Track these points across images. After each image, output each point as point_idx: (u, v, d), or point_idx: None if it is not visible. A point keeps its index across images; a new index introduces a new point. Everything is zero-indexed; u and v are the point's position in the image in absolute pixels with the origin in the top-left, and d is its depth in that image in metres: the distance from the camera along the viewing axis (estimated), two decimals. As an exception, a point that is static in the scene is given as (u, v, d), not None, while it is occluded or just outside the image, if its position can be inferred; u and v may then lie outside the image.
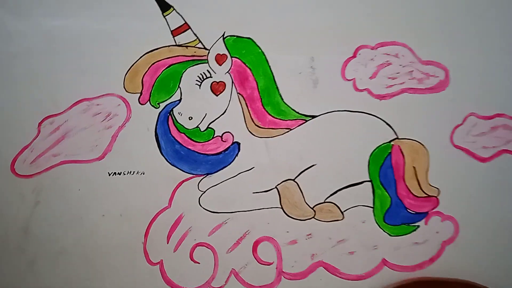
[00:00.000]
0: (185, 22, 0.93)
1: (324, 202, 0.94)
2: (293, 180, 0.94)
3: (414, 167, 0.94)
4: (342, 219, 0.93)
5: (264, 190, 0.94)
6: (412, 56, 0.93)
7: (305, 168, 0.94)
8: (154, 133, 0.94)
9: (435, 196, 0.93)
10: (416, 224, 0.94)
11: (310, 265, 0.93)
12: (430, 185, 0.94)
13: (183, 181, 0.94)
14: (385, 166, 0.93)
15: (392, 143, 0.93)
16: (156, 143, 0.94)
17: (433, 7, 0.93)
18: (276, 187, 0.94)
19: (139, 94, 0.94)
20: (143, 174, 0.94)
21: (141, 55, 0.92)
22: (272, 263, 0.93)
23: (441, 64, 0.93)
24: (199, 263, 0.93)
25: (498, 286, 0.91)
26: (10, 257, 0.94)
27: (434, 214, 0.93)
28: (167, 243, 0.93)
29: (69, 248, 0.94)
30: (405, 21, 0.93)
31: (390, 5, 0.93)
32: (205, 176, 0.94)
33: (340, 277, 0.93)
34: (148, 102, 0.94)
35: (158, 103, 0.94)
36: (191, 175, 0.94)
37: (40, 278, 0.94)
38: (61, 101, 0.94)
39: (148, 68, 0.93)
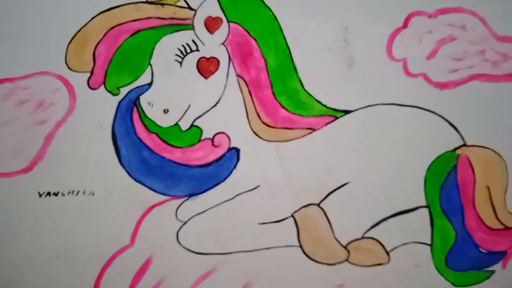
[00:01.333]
0: (161, -32, 0.63)
1: (362, 237, 0.67)
2: (318, 205, 0.66)
3: (488, 187, 0.68)
4: (387, 263, 0.67)
5: (274, 220, 0.66)
6: (485, 30, 0.68)
7: (334, 188, 0.66)
8: (110, 132, 0.65)
9: (517, 228, 0.67)
10: (492, 268, 0.68)
11: (341, 330, 0.65)
12: (510, 212, 0.68)
13: (153, 206, 0.65)
14: (448, 186, 0.67)
15: (457, 152, 0.67)
16: (113, 147, 0.65)
17: (516, -40, 0.67)
18: (292, 216, 0.66)
19: (88, 74, 0.64)
20: (93, 194, 0.65)
21: (93, 15, 0.64)
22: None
23: (524, 41, 0.67)
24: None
25: None
26: None
27: (515, 254, 0.67)
28: (127, 302, 0.63)
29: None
30: (477, -21, 0.66)
31: (456, -45, 0.66)
32: (187, 199, 0.65)
33: None
34: (103, 86, 0.64)
35: (118, 88, 0.65)
36: (166, 197, 0.65)
37: None
38: (-35, 81, 0.62)
39: (104, 36, 0.64)
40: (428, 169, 0.67)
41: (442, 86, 0.67)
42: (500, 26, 0.67)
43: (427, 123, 0.67)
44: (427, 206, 0.67)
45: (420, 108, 0.67)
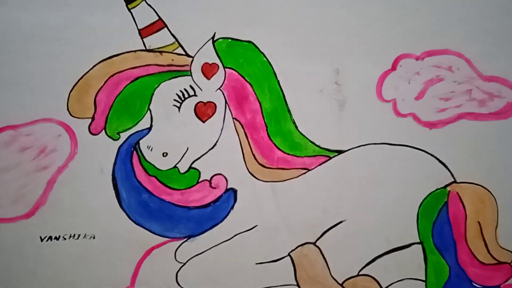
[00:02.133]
0: (160, 18, 0.66)
1: (358, 275, 0.67)
2: (314, 243, 0.67)
3: (478, 222, 0.69)
4: None
5: (272, 260, 0.67)
6: (470, 70, 0.70)
7: (330, 226, 0.68)
8: (111, 176, 0.66)
9: (509, 263, 0.68)
10: None
11: None
12: (501, 247, 0.68)
13: (152, 248, 0.66)
14: (440, 222, 0.69)
15: (448, 188, 0.69)
16: (113, 191, 0.66)
17: (497, 7, 0.69)
18: (289, 255, 0.67)
19: (90, 120, 0.65)
20: (93, 238, 0.65)
21: (95, 63, 0.66)
22: None
23: (508, 81, 0.70)
24: None
25: None
26: None
27: (508, 287, 0.68)
28: None
29: None
30: (461, 23, 0.69)
31: (440, 1, 0.69)
32: (186, 240, 0.66)
33: None
34: (103, 131, 0.65)
35: (118, 133, 0.66)
36: (165, 239, 0.66)
37: None
38: (-30, 130, 0.63)
39: (104, 83, 0.66)
40: (420, 206, 0.68)
41: (431, 125, 0.69)
42: (485, 66, 0.69)
43: (418, 161, 0.68)
44: (421, 242, 0.68)
45: (411, 146, 0.69)
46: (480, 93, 0.70)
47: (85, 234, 0.64)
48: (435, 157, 0.69)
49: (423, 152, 0.68)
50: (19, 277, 0.64)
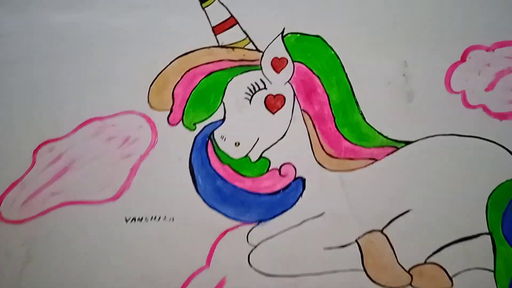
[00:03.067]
0: (231, 16, 0.70)
1: (425, 263, 0.68)
2: (381, 231, 0.68)
3: None
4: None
5: (339, 245, 0.69)
6: None
7: (397, 215, 0.69)
8: (188, 164, 0.70)
9: None
10: None
11: None
12: None
13: (226, 231, 0.70)
14: (510, 213, 0.68)
15: None
16: (190, 178, 0.70)
17: None
18: (356, 241, 0.69)
19: (168, 112, 0.70)
20: (172, 220, 0.70)
21: (172, 59, 0.71)
22: None
23: None
24: None
25: None
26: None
27: None
28: (205, 319, 0.68)
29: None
30: (535, 12, 0.68)
31: (513, -11, 0.68)
32: (257, 224, 0.69)
33: None
34: (181, 122, 0.70)
35: (194, 124, 0.70)
36: (238, 223, 0.70)
37: None
38: (64, 121, 0.70)
39: (181, 77, 0.71)
40: (489, 197, 0.68)
41: (502, 116, 0.69)
42: (559, 56, 0.68)
43: (488, 153, 0.68)
44: (490, 233, 0.68)
45: (481, 138, 0.69)
46: (554, 84, 0.69)
47: (165, 216, 0.70)
48: (506, 148, 0.68)
49: (493, 144, 0.68)
50: (107, 254, 0.70)
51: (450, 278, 0.68)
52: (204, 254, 0.69)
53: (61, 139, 0.70)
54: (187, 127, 0.70)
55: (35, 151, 0.70)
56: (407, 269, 0.68)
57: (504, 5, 0.68)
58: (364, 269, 0.68)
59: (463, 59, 0.69)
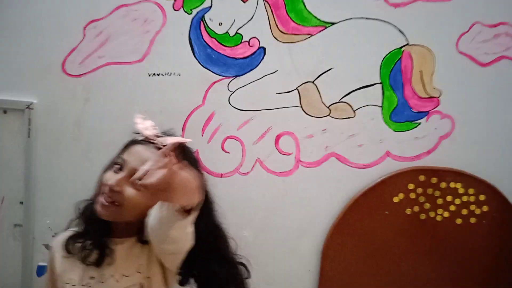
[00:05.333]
0: None
1: (339, 101, 1.06)
2: (312, 82, 1.06)
3: (421, 71, 1.05)
4: (353, 117, 1.08)
5: (286, 91, 1.06)
6: None
7: (323, 71, 1.06)
8: (187, 37, 1.04)
9: (437, 97, 1.06)
10: (418, 121, 1.08)
11: (324, 155, 1.09)
12: (434, 87, 1.06)
13: (214, 82, 1.07)
14: (395, 70, 1.05)
15: (403, 49, 1.04)
16: (189, 47, 1.05)
17: None
18: (297, 89, 1.06)
19: (173, 1, 1.02)
20: (179, 75, 1.06)
21: None
22: (291, 153, 1.09)
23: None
24: (229, 153, 1.09)
25: (485, 175, 1.07)
26: (67, 146, 1.09)
27: (434, 113, 1.07)
28: (202, 136, 1.08)
29: (116, 140, 1.09)
30: None
31: None
32: (234, 78, 1.06)
33: (349, 166, 1.09)
34: (182, 8, 1.02)
35: (191, 9, 1.02)
36: (222, 77, 1.06)
37: (94, 166, 1.11)
38: (103, 7, 1.03)
39: (181, -24, 1.01)
40: (383, 60, 1.05)
41: (396, 5, 1.02)
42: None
43: (385, 30, 1.03)
44: (381, 83, 1.06)
45: (381, 20, 1.03)
46: (433, -17, 1.02)
47: (174, 72, 1.06)
48: (397, 27, 1.03)
49: (389, 24, 1.03)
50: (136, 97, 1.07)
51: (354, 111, 1.07)
52: (200, 97, 1.07)
53: (102, 19, 1.03)
54: (186, 11, 1.03)
55: (85, 27, 1.04)
56: (327, 105, 1.07)
57: None
58: (301, 106, 1.07)
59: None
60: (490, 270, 1.10)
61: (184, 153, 0.65)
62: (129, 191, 0.66)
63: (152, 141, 0.60)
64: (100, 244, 0.71)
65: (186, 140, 0.57)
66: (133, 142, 0.71)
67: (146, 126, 0.60)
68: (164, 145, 0.52)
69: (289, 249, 1.10)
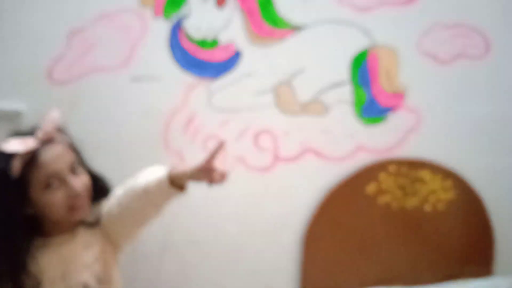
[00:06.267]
0: None
1: (312, 100, 1.14)
2: (287, 82, 1.13)
3: (386, 70, 1.14)
4: (327, 114, 1.15)
5: (262, 92, 1.13)
6: None
7: (297, 71, 1.13)
8: (168, 43, 1.10)
9: (402, 93, 1.15)
10: (386, 116, 1.16)
11: (301, 151, 1.15)
12: (399, 84, 1.14)
13: (195, 86, 1.12)
14: (363, 69, 1.14)
15: (369, 50, 1.13)
16: (170, 52, 1.11)
17: None
18: (272, 89, 1.14)
19: (153, 8, 1.08)
20: (161, 80, 1.11)
21: None
22: (270, 150, 1.15)
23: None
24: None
25: (449, 163, 1.16)
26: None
27: (400, 107, 1.16)
28: (184, 137, 1.13)
29: (102, 145, 1.13)
30: None
31: None
32: (213, 81, 1.12)
33: (325, 160, 1.16)
34: (162, 15, 1.08)
35: (170, 16, 1.09)
36: (202, 80, 1.12)
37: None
38: (86, 15, 1.07)
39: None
40: (352, 60, 1.13)
41: (364, 10, 1.11)
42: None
43: (353, 33, 1.12)
44: (351, 81, 1.14)
45: (349, 23, 1.11)
46: (394, -12, 1.11)
47: (155, 77, 1.11)
48: (363, 30, 1.12)
49: (356, 27, 1.12)
50: (115, 112, 1.12)
51: (327, 108, 1.14)
52: (182, 100, 1.11)
53: (85, 28, 1.08)
54: (166, 17, 1.09)
55: (69, 36, 1.08)
56: (302, 103, 1.14)
57: None
58: (277, 106, 1.14)
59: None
60: (461, 252, 1.18)
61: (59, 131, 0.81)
62: (78, 183, 0.77)
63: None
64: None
65: (54, 115, 0.79)
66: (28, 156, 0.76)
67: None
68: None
69: (271, 241, 1.16)
